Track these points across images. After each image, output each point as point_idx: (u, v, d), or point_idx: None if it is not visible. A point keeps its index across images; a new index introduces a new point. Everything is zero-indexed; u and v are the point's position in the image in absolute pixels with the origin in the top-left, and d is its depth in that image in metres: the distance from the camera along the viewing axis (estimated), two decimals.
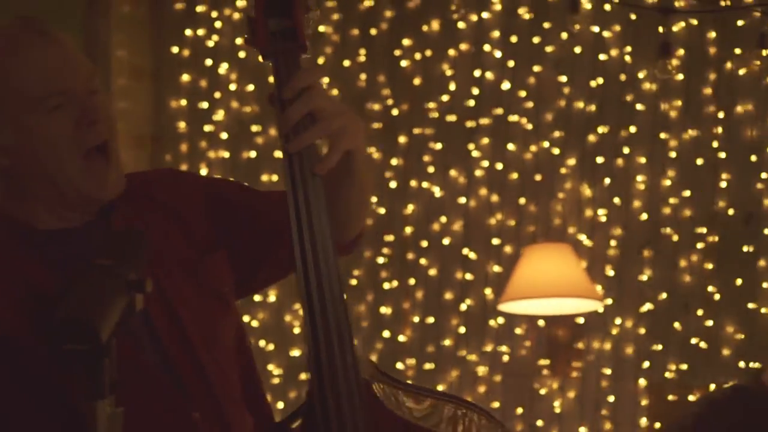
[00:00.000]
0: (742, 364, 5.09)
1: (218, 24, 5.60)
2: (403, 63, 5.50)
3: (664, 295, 5.23)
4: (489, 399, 5.29)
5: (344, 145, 1.59)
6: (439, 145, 5.44)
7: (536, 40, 5.39)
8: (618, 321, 5.25)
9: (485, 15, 5.45)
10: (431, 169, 5.44)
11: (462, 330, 5.36)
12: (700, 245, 5.22)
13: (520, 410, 5.28)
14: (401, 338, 5.41)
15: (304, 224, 1.58)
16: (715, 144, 5.25)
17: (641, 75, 5.31)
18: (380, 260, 5.46)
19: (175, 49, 5.59)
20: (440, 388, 5.20)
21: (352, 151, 1.63)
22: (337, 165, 1.61)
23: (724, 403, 3.69)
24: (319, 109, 1.58)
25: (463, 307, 5.36)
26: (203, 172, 5.53)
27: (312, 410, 1.59)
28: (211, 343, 1.74)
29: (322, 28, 5.53)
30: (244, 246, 1.82)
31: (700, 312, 5.18)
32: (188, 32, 5.58)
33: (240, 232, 1.82)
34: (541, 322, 5.26)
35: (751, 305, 5.14)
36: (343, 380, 1.58)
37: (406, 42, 5.50)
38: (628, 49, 5.33)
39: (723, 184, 5.24)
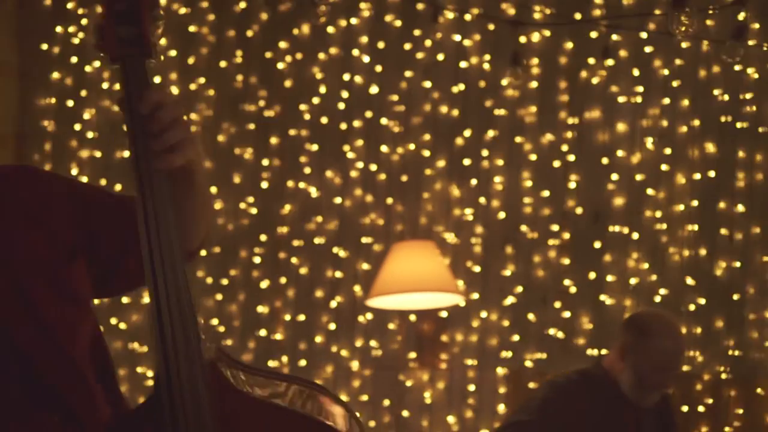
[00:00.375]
0: (593, 351, 5.44)
1: (87, 21, 5.47)
2: (279, 65, 5.55)
3: (523, 289, 5.52)
4: (361, 392, 5.44)
5: (190, 152, 1.69)
6: (314, 147, 5.53)
7: (404, 46, 5.56)
8: (483, 314, 5.50)
9: (354, 21, 5.57)
10: (308, 170, 5.52)
11: (332, 326, 5.48)
12: (554, 242, 5.55)
13: (387, 402, 5.44)
14: (274, 336, 5.47)
15: (150, 215, 1.66)
16: (567, 148, 5.59)
17: (501, 82, 5.56)
18: (255, 260, 5.50)
19: (44, 46, 5.43)
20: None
21: (194, 167, 1.73)
22: (180, 177, 1.71)
23: (567, 386, 3.97)
24: (177, 118, 1.69)
25: (333, 304, 5.48)
26: (73, 172, 5.39)
27: (158, 398, 1.69)
28: (75, 343, 1.80)
29: (197, 29, 5.49)
30: (102, 250, 1.87)
31: (557, 304, 5.51)
32: (58, 29, 5.43)
33: (99, 237, 1.86)
34: (412, 317, 5.43)
35: (601, 297, 5.51)
36: (186, 364, 1.68)
37: (281, 44, 5.56)
38: (488, 57, 5.59)
39: (574, 185, 5.58)
